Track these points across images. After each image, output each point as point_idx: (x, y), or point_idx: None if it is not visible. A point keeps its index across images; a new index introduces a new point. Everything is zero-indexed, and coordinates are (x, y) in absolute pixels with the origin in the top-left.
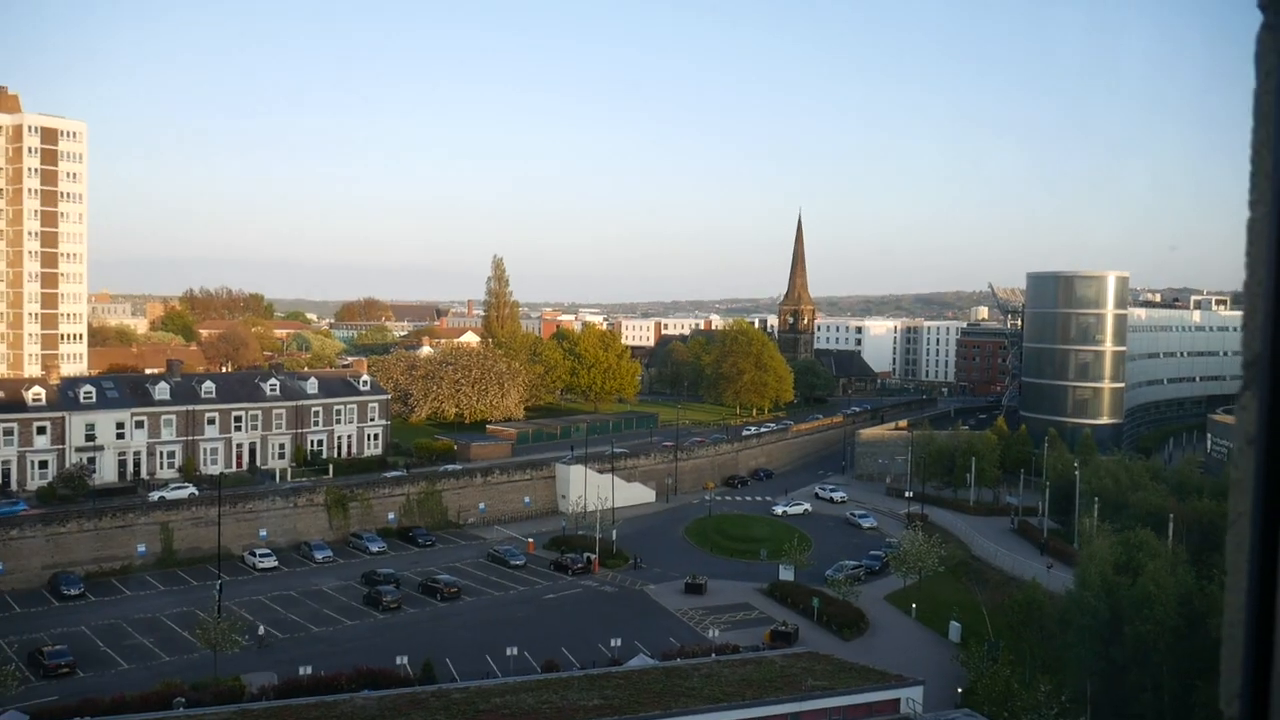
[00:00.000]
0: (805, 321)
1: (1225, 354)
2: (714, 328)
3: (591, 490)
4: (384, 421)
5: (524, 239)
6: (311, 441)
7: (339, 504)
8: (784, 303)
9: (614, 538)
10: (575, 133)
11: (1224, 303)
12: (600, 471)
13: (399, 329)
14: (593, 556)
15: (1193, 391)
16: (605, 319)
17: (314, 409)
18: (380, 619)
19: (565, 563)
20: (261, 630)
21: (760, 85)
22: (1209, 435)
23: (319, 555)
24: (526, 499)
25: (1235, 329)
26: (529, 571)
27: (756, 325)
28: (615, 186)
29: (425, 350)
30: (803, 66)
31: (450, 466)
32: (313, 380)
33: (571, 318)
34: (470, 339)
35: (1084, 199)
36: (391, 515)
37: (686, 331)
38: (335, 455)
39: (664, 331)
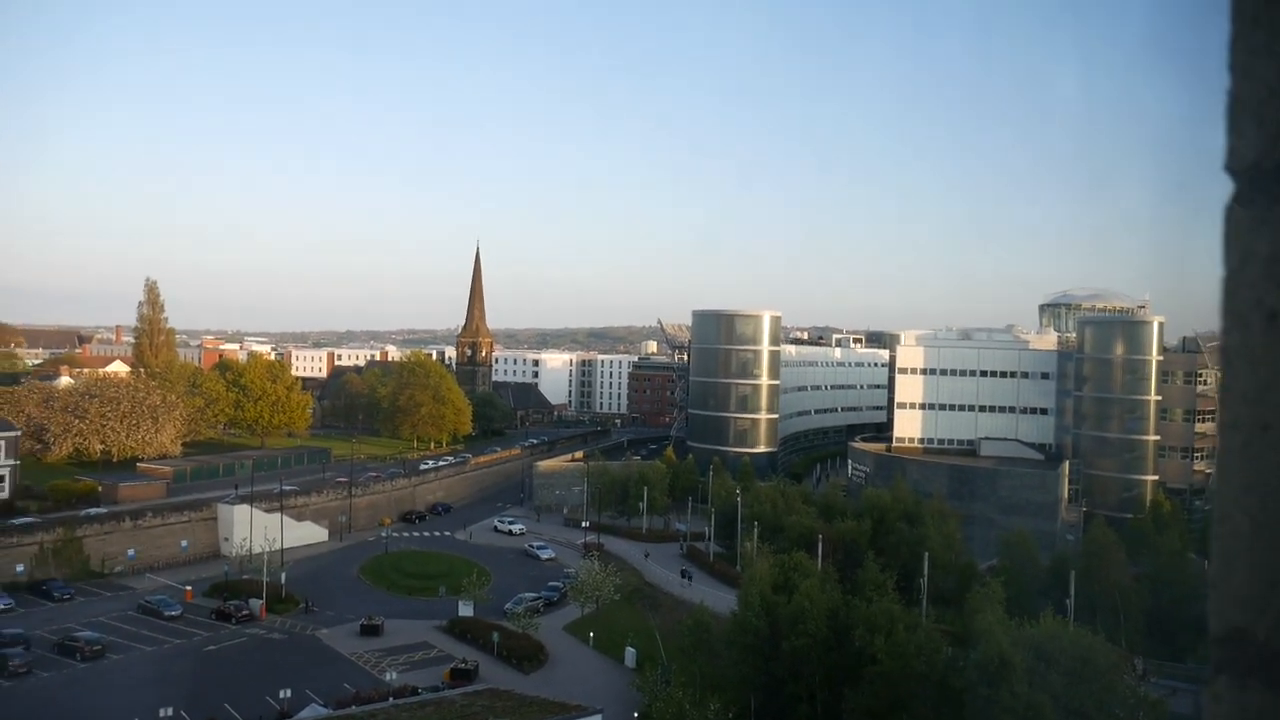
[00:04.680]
0: (483, 354)
1: (861, 387)
2: (391, 359)
3: (258, 531)
4: (11, 461)
5: (181, 261)
6: None
7: None
8: (462, 335)
9: (283, 581)
10: (235, 150)
11: (859, 341)
12: (268, 511)
13: (33, 357)
14: (259, 602)
15: (835, 421)
16: (274, 349)
17: None
18: (6, 687)
19: (228, 610)
20: None
21: (439, 115)
22: (850, 461)
23: None
24: (184, 543)
25: (869, 364)
26: (186, 622)
27: (435, 357)
28: (283, 210)
29: (64, 380)
30: (480, 102)
31: (94, 510)
32: None
33: (236, 347)
34: (119, 368)
35: (745, 244)
36: (20, 567)
37: (362, 363)
38: None
39: (338, 362)
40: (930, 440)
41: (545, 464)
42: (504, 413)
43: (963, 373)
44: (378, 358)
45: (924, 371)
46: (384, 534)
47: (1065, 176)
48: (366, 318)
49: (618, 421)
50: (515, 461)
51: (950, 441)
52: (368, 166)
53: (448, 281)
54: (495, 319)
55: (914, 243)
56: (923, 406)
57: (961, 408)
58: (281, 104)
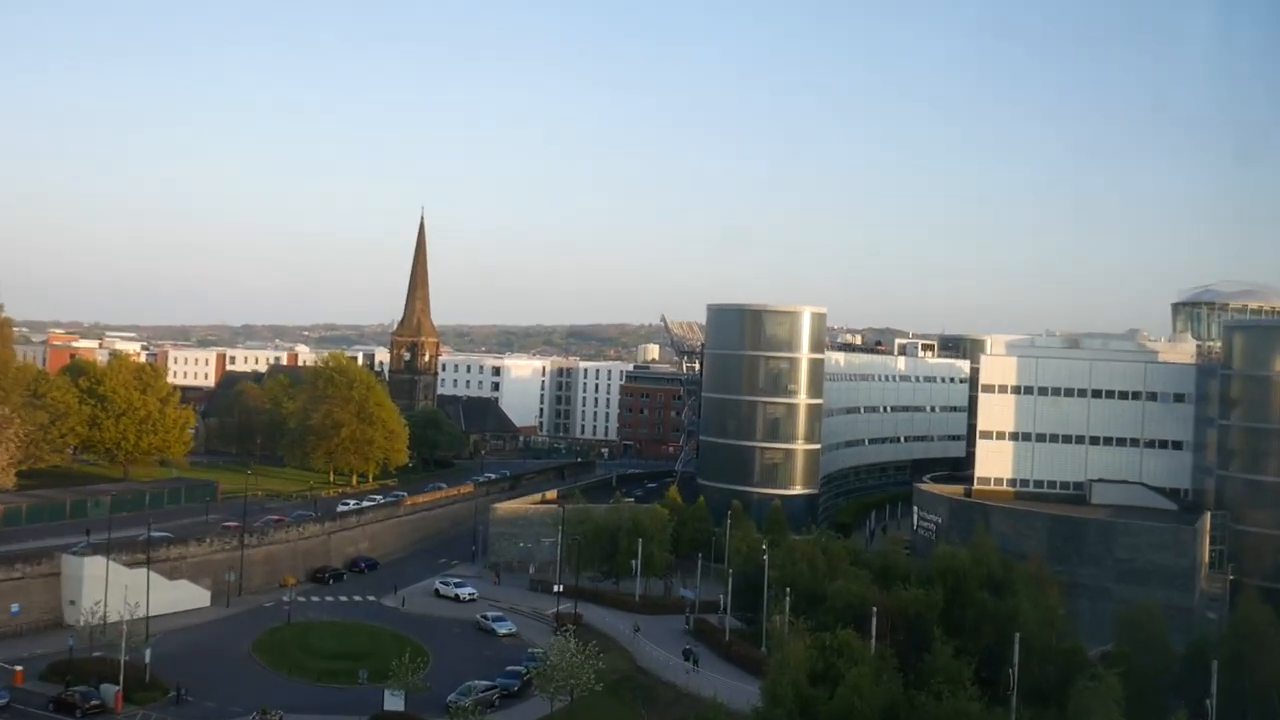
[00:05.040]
0: (426, 358)
1: (932, 409)
2: (302, 363)
3: (116, 592)
4: None
5: (23, 236)
6: None
7: None
8: (398, 332)
9: (148, 660)
10: (96, 100)
11: (930, 348)
12: (131, 565)
13: None
14: (114, 689)
15: (897, 455)
16: (145, 348)
17: None
18: None
19: (72, 699)
20: None
21: (370, 61)
22: (915, 508)
23: None
24: (15, 607)
25: (943, 379)
26: (15, 715)
27: (361, 362)
28: (159, 172)
29: None
30: (424, 52)
31: None
32: None
33: (95, 344)
34: None
35: (778, 224)
36: None
37: (263, 368)
38: None
39: (230, 367)
40: (1024, 482)
41: (506, 506)
42: (452, 437)
43: (1069, 392)
44: (284, 361)
45: (1017, 390)
46: (286, 598)
47: (1203, 146)
48: (270, 310)
49: (604, 451)
50: (466, 502)
51: (1051, 484)
52: (274, 114)
53: (382, 264)
54: (444, 313)
55: (1005, 224)
56: (1015, 437)
57: (1067, 439)
58: (155, 44)
